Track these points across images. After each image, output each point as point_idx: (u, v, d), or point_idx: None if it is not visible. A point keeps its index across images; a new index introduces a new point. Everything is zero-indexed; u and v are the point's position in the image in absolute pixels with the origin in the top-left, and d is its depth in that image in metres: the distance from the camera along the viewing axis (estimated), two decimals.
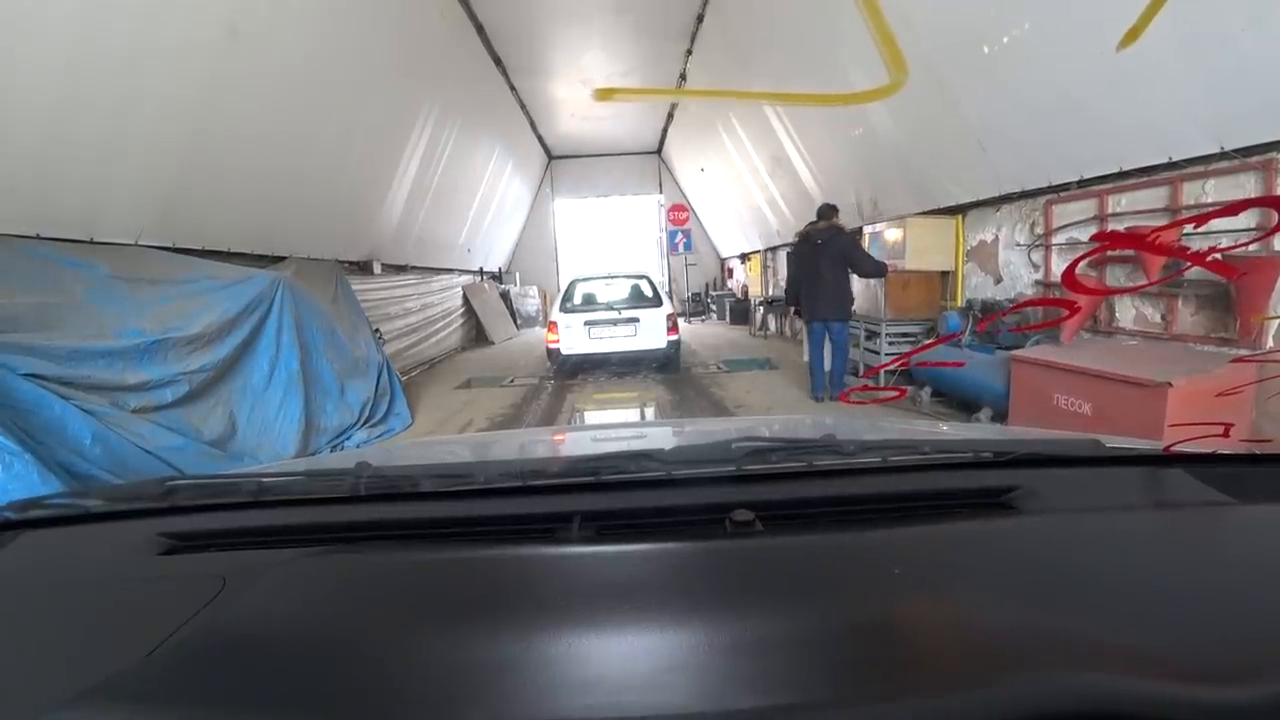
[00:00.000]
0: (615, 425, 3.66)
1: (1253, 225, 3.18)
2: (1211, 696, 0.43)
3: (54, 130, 3.49)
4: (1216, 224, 3.44)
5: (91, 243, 3.93)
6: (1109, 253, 4.17)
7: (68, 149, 3.60)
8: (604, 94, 0.77)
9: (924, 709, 0.43)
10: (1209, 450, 0.99)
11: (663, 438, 1.86)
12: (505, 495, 0.87)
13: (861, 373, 6.25)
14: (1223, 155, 3.35)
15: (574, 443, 1.81)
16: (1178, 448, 0.96)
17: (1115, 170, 4.01)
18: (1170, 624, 0.55)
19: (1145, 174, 3.85)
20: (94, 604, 0.69)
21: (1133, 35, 0.72)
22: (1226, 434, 0.99)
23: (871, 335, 6.36)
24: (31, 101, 3.33)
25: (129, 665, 0.53)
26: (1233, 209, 0.65)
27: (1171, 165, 3.65)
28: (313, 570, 0.71)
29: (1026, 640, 0.51)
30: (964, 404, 4.98)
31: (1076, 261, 0.82)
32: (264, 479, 0.93)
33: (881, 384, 5.78)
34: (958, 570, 0.66)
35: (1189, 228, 3.37)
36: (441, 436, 5.07)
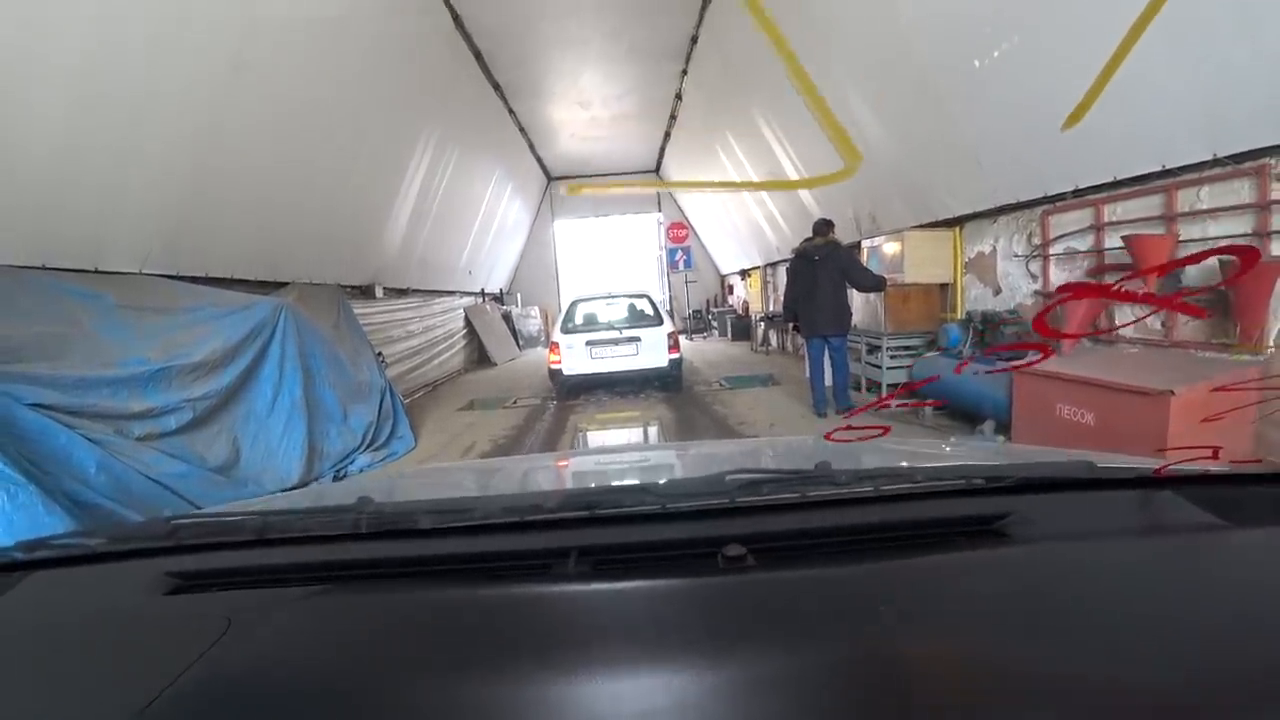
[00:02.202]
0: (614, 450, 3.67)
1: (1248, 231, 3.20)
2: None
3: (60, 162, 3.54)
4: (1213, 230, 3.47)
5: (97, 272, 3.97)
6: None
7: (73, 180, 3.66)
8: (574, 189, 0.79)
9: None
10: (1200, 471, 0.99)
11: (661, 464, 1.86)
12: (504, 531, 0.87)
13: (862, 388, 6.24)
14: (1216, 162, 3.37)
15: (572, 473, 1.82)
16: (1170, 469, 0.96)
17: (1110, 179, 4.04)
18: (1158, 658, 0.55)
19: (1140, 182, 3.88)
20: (100, 645, 0.69)
21: (1076, 117, 0.74)
22: (1215, 455, 1.00)
23: (873, 349, 6.37)
24: (38, 133, 3.39)
25: (135, 709, 0.54)
26: (1196, 258, 0.67)
27: (1166, 173, 3.67)
28: (316, 611, 0.72)
29: (1015, 678, 0.52)
30: (967, 416, 4.97)
31: (1045, 311, 0.83)
32: (268, 516, 0.93)
33: (898, 404, 5.77)
34: (949, 602, 0.67)
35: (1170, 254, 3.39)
36: (443, 464, 5.07)
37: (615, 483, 0.92)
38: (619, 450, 3.38)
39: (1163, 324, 3.97)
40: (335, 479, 4.65)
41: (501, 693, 0.53)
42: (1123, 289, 0.69)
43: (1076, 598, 0.67)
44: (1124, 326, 4.08)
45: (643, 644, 0.59)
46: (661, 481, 0.93)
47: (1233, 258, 3.11)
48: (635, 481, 0.94)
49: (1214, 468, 1.00)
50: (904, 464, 1.22)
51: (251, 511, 0.93)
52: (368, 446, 5.31)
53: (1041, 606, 0.65)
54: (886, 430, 1.16)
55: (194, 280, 4.74)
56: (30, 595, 0.83)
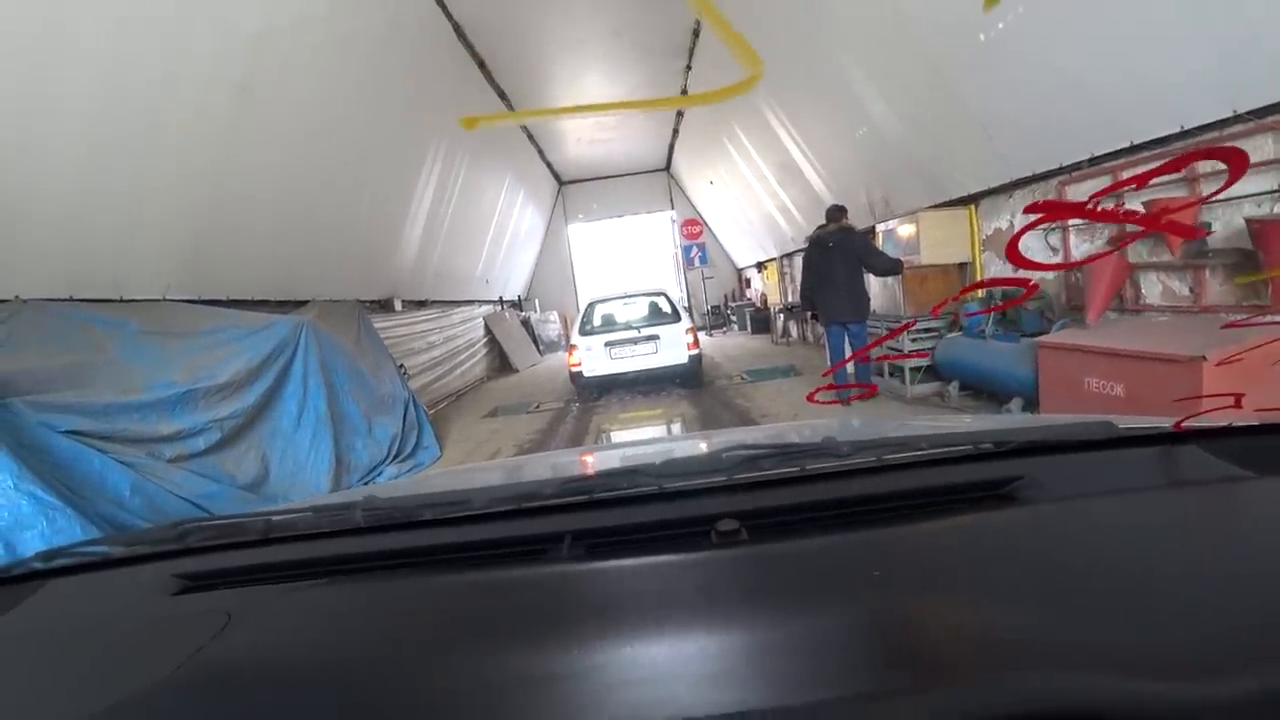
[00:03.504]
0: (625, 444, 3.69)
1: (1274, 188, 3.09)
2: (1208, 693, 0.41)
3: (80, 197, 3.64)
4: (1238, 188, 3.35)
5: (121, 301, 4.07)
6: (1128, 231, 4.08)
7: (94, 214, 3.76)
8: (469, 122, 0.79)
9: (893, 710, 0.43)
10: (1224, 424, 0.94)
11: (666, 449, 1.86)
12: (501, 519, 0.88)
13: (885, 373, 6.16)
14: (1237, 119, 3.26)
15: (577, 462, 1.83)
16: (1190, 423, 0.92)
17: (1126, 145, 3.93)
18: (1169, 613, 0.53)
19: (1158, 145, 3.77)
20: (109, 645, 0.72)
21: None
22: (1238, 404, 0.95)
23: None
24: (58, 170, 3.48)
25: (129, 698, 0.56)
26: (1175, 165, 0.64)
27: (1184, 134, 3.56)
28: (313, 602, 0.74)
29: (1010, 638, 0.50)
30: (994, 396, 4.88)
31: (1017, 236, 0.81)
32: (272, 517, 0.96)
33: (909, 381, 5.70)
34: (951, 567, 0.65)
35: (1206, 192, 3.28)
36: (456, 467, 5.12)
37: (615, 466, 0.92)
38: (630, 445, 3.39)
39: (1191, 289, 3.85)
40: None
41: (491, 668, 0.54)
42: (1098, 206, 0.67)
43: (1090, 555, 0.65)
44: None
45: (632, 618, 0.60)
46: (659, 462, 0.92)
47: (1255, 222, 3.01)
48: (636, 463, 0.93)
49: (1239, 420, 0.96)
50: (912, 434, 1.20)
51: (257, 514, 0.95)
52: (394, 458, 5.38)
53: (1048, 567, 0.63)
54: (873, 390, 1.13)
55: (215, 303, 4.83)
56: (48, 601, 0.87)
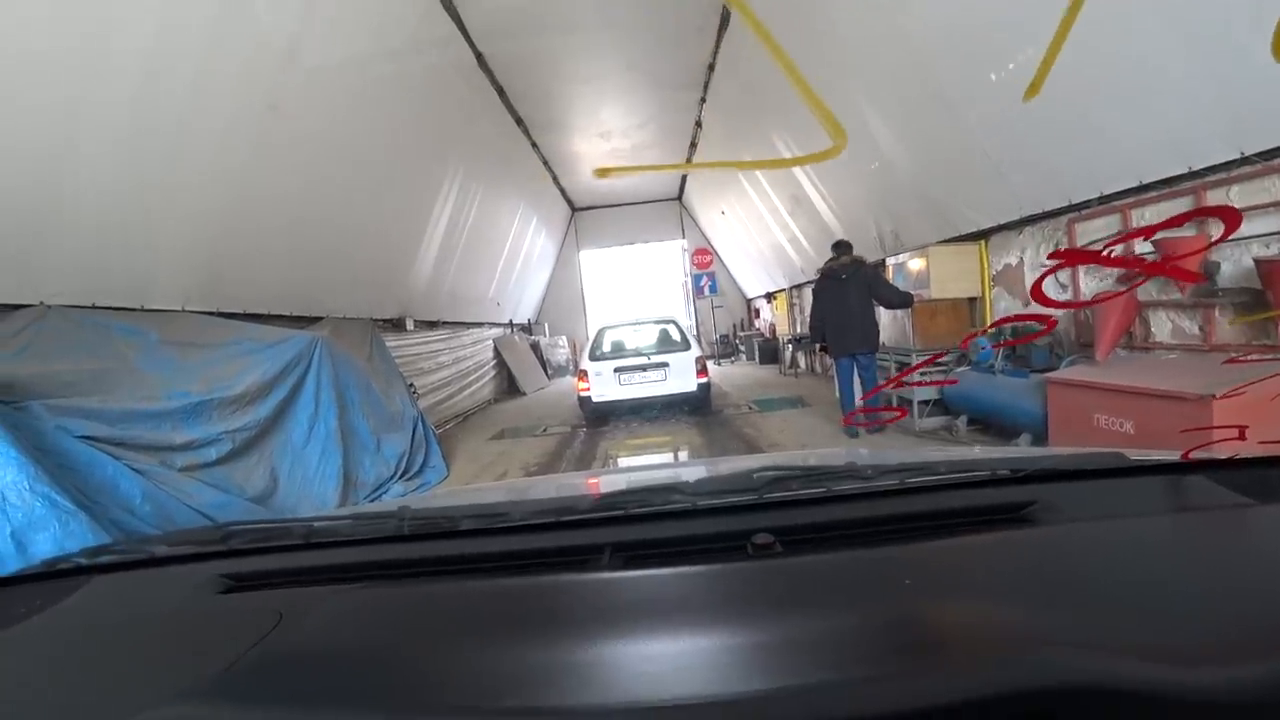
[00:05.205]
0: (644, 468, 3.73)
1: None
2: (1205, 676, 0.44)
3: (106, 207, 3.74)
4: (1246, 229, 3.39)
5: (142, 310, 4.15)
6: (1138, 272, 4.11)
7: (119, 224, 3.86)
8: (601, 172, 0.84)
9: (914, 687, 0.47)
10: (1230, 455, 0.99)
11: (690, 473, 1.90)
12: (540, 531, 0.91)
13: (893, 405, 6.15)
14: (1244, 160, 3.31)
15: (605, 482, 1.86)
16: (1197, 454, 0.96)
17: (1136, 184, 3.98)
18: (1174, 614, 0.56)
19: (1167, 185, 3.82)
20: (162, 637, 0.74)
21: (1034, 88, 0.78)
22: (1242, 437, 0.99)
23: (902, 366, 6.29)
24: (86, 181, 3.59)
25: (193, 690, 0.57)
26: (1177, 220, 0.69)
27: (1193, 174, 3.61)
28: (361, 602, 0.76)
29: (1022, 631, 0.54)
30: (1002, 431, 4.87)
31: (1041, 279, 0.86)
32: (314, 523, 0.99)
33: (917, 414, 5.69)
34: (971, 578, 0.69)
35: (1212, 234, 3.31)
36: (477, 484, 5.13)
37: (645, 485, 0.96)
38: (649, 468, 3.41)
39: (1200, 328, 3.86)
40: None
41: (532, 660, 0.57)
42: (1111, 254, 0.72)
43: (1101, 568, 0.68)
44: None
45: (672, 618, 0.63)
46: (691, 481, 0.95)
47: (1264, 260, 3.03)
48: (666, 482, 0.97)
49: (1245, 452, 1.00)
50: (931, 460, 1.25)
51: (298, 519, 0.98)
52: (401, 475, 5.39)
53: (1060, 579, 0.66)
54: (903, 412, 1.17)
55: (233, 316, 4.92)
56: (95, 596, 0.88)
